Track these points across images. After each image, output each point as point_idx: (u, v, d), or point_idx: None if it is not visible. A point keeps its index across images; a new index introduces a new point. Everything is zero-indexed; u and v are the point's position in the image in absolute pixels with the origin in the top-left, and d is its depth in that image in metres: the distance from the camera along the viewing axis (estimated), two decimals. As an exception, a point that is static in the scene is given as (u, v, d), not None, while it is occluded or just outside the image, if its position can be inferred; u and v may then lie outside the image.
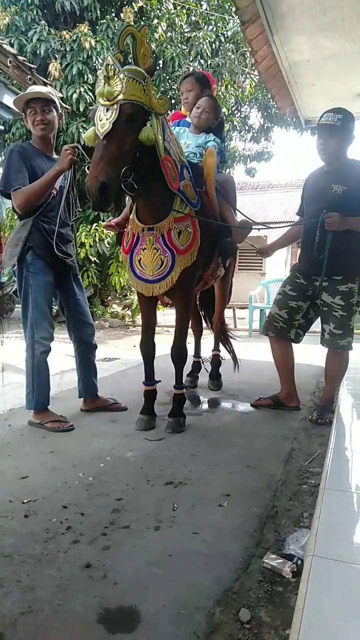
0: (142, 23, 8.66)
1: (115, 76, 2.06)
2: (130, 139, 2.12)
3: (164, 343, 3.24)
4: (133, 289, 2.91)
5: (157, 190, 2.39)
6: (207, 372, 3.66)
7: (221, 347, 3.66)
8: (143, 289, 2.63)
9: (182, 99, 3.09)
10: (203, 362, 3.75)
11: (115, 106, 2.06)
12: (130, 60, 2.21)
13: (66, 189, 2.65)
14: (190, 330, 3.09)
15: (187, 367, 3.51)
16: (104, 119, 2.08)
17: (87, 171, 2.13)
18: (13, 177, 2.57)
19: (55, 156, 2.79)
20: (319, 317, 2.97)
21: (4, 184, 2.61)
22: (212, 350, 3.67)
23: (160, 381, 2.86)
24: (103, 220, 8.02)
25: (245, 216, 3.13)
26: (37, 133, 2.70)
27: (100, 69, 2.18)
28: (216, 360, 3.64)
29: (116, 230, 2.86)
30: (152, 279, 2.55)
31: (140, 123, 2.15)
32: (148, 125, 2.17)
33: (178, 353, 2.77)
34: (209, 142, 2.87)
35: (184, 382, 3.61)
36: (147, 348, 2.82)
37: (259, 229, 3.20)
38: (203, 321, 3.84)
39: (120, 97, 2.06)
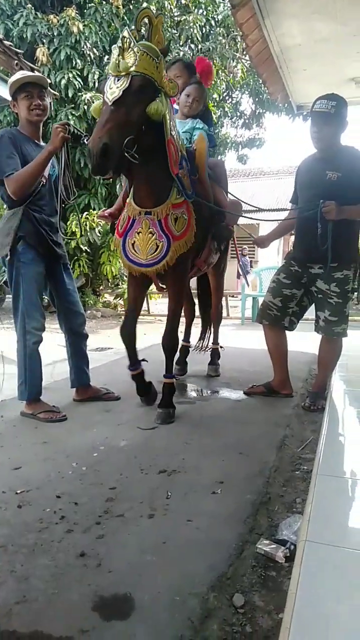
0: (130, 7, 8.52)
1: (130, 49, 2.07)
2: (138, 110, 2.12)
3: (157, 332, 3.24)
4: (125, 277, 2.90)
5: (159, 173, 2.38)
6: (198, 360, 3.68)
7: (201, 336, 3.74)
8: (135, 270, 2.62)
9: None
10: (190, 347, 3.75)
11: (127, 76, 2.07)
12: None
13: (62, 169, 2.59)
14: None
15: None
16: (114, 87, 2.08)
17: (87, 142, 2.12)
18: (5, 163, 2.51)
19: (42, 143, 2.74)
20: (312, 305, 2.97)
21: None
22: (212, 344, 3.72)
23: (144, 359, 2.85)
24: (94, 209, 7.95)
25: (237, 198, 3.11)
26: (32, 118, 2.64)
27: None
28: (216, 352, 3.73)
29: (109, 220, 2.84)
30: (144, 262, 2.53)
31: (150, 96, 2.15)
32: (157, 100, 2.16)
33: (169, 341, 2.75)
34: (197, 129, 2.85)
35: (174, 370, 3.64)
36: (128, 331, 2.78)
37: (253, 212, 3.16)
38: (195, 308, 3.85)
39: (133, 68, 2.07)
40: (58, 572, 1.43)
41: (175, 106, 2.98)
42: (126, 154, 2.11)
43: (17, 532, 1.63)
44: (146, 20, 2.18)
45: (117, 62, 2.07)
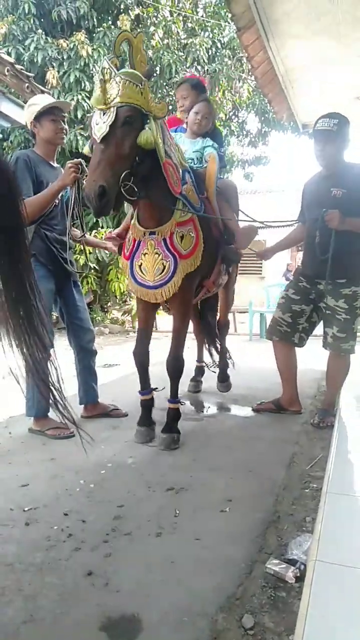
0: (139, 30, 8.73)
1: (112, 80, 2.04)
2: (128, 142, 2.09)
3: (162, 348, 3.24)
4: (133, 295, 2.85)
5: (159, 194, 2.34)
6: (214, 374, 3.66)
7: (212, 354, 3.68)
8: (144, 295, 2.56)
9: (178, 106, 3.10)
10: (207, 367, 3.72)
11: (112, 109, 2.04)
12: (127, 66, 2.21)
13: (71, 203, 2.64)
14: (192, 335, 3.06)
15: (190, 373, 3.52)
16: (100, 123, 2.05)
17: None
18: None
19: (56, 165, 2.80)
20: (321, 321, 2.97)
21: None
22: (219, 360, 3.67)
23: (157, 388, 2.77)
24: (102, 227, 8.04)
25: (251, 218, 3.10)
26: (57, 141, 2.74)
27: (95, 77, 2.19)
28: (224, 362, 3.65)
29: (117, 242, 2.80)
30: (152, 284, 2.48)
31: (138, 126, 2.11)
32: (147, 128, 2.13)
33: (174, 364, 2.62)
34: (207, 148, 2.86)
35: (187, 387, 3.62)
36: (141, 357, 2.69)
37: (263, 227, 3.15)
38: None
39: (117, 99, 2.04)
40: (65, 592, 1.42)
41: (184, 125, 3.03)
42: (123, 190, 2.08)
43: (24, 550, 1.62)
44: (125, 45, 2.14)
45: (99, 96, 2.05)
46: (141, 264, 2.50)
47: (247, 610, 1.38)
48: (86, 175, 2.54)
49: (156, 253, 2.44)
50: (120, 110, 2.05)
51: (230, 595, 1.41)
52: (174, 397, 2.69)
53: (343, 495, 1.72)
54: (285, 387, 3.13)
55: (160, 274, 2.45)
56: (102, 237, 7.57)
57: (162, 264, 2.44)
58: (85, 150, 2.29)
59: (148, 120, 2.15)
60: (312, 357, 3.66)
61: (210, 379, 3.74)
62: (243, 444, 2.62)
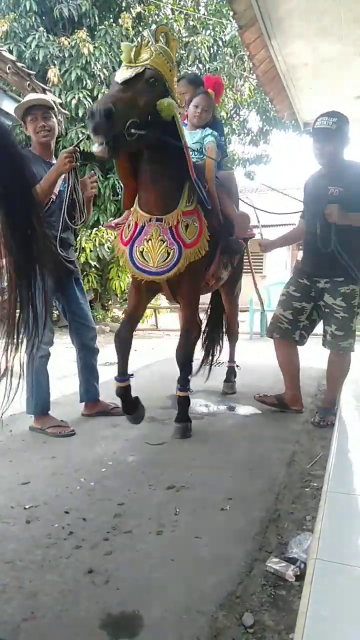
0: (140, 29, 8.72)
1: (147, 47, 2.07)
2: (146, 98, 2.07)
3: (165, 347, 3.24)
4: (129, 275, 2.77)
5: (167, 178, 2.34)
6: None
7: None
8: (144, 278, 2.51)
9: (178, 102, 3.11)
10: (238, 367, 3.73)
11: (140, 67, 2.05)
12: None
13: (66, 196, 2.64)
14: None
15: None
16: (125, 71, 2.05)
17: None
18: None
19: (54, 161, 2.80)
20: (321, 320, 2.97)
21: None
22: (228, 362, 3.70)
23: (132, 375, 2.68)
24: (103, 225, 8.03)
25: (252, 206, 3.09)
26: (39, 140, 2.71)
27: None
28: (232, 371, 3.70)
29: (117, 230, 2.79)
30: (154, 270, 2.44)
31: (160, 92, 2.12)
32: (169, 97, 2.14)
33: (183, 353, 2.66)
34: (207, 137, 2.86)
35: (223, 387, 3.62)
36: (123, 339, 2.61)
37: (259, 226, 3.14)
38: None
39: (148, 62, 2.06)
40: (66, 589, 1.42)
41: (185, 121, 3.03)
42: (127, 137, 2.03)
43: (25, 548, 1.63)
44: (163, 35, 2.18)
45: (132, 55, 2.05)
46: (143, 249, 2.45)
47: (247, 608, 1.38)
48: (82, 163, 2.54)
49: (161, 240, 2.41)
50: (148, 71, 2.07)
51: (230, 593, 1.41)
52: (183, 385, 2.70)
53: (343, 494, 1.72)
54: (287, 386, 3.13)
55: (164, 260, 2.42)
56: (102, 234, 7.59)
57: (167, 251, 2.41)
58: (95, 149, 2.28)
59: (170, 95, 2.17)
60: (313, 355, 3.66)
61: (212, 378, 3.74)
62: (243, 442, 2.63)
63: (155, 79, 2.09)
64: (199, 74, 9.51)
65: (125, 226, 2.59)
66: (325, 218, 2.61)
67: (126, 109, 2.02)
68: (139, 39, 2.14)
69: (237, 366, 3.76)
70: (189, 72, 8.98)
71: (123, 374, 2.65)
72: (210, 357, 3.70)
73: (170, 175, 2.34)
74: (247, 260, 3.60)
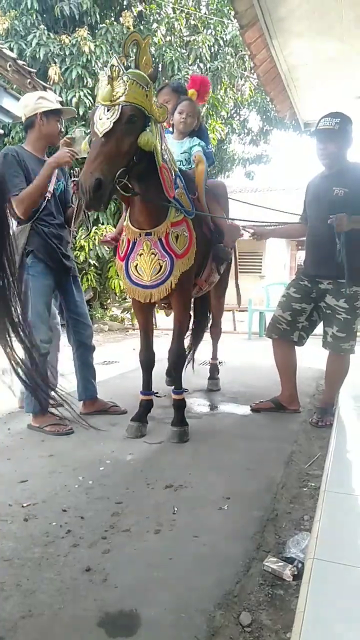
0: (141, 27, 8.71)
1: (119, 78, 2.06)
2: (128, 141, 2.10)
3: (164, 346, 3.24)
4: (129, 297, 2.85)
5: (155, 195, 2.37)
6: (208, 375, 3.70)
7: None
8: (139, 295, 2.58)
9: None
10: (221, 363, 3.77)
11: (117, 107, 2.05)
12: (130, 64, 2.21)
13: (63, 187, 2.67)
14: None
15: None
16: (104, 118, 2.06)
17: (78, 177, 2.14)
18: (11, 182, 2.57)
19: (46, 158, 2.81)
20: (321, 320, 2.97)
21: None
22: (211, 359, 3.73)
23: (157, 392, 2.81)
24: (102, 224, 8.03)
25: (249, 203, 3.12)
26: (56, 142, 2.77)
27: (100, 72, 2.18)
28: (215, 368, 3.74)
29: (112, 245, 2.84)
30: (149, 284, 2.51)
31: (140, 126, 2.13)
32: (148, 130, 2.15)
33: (176, 357, 2.74)
34: (194, 147, 2.88)
35: (207, 384, 3.68)
36: (147, 357, 2.77)
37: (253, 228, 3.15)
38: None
39: (123, 98, 2.05)
40: (64, 587, 1.42)
41: (170, 129, 3.01)
42: (117, 187, 2.11)
43: (23, 546, 1.63)
44: (134, 43, 2.15)
45: (104, 93, 2.06)
46: (137, 264, 2.52)
47: (244, 607, 1.38)
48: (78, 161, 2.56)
49: (152, 253, 2.47)
50: (125, 109, 2.06)
51: (228, 593, 1.42)
52: (178, 388, 2.76)
53: (341, 494, 1.72)
54: (284, 386, 3.13)
55: (157, 273, 2.48)
56: (102, 234, 7.59)
57: (159, 263, 2.47)
58: (84, 146, 2.29)
59: (149, 123, 2.18)
60: (311, 356, 3.67)
61: (205, 378, 3.75)
62: (242, 442, 2.63)
63: (133, 115, 2.09)
64: (200, 73, 9.52)
65: (121, 241, 2.65)
66: (333, 226, 2.58)
67: (113, 164, 2.06)
68: (108, 69, 2.08)
69: (220, 363, 3.81)
70: (190, 71, 8.99)
71: (147, 389, 2.80)
72: (193, 353, 3.72)
73: (156, 193, 2.36)
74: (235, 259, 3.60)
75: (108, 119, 2.05)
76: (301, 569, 1.49)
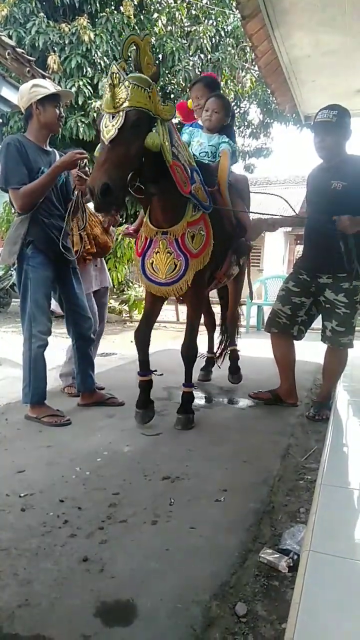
0: (141, 17, 8.63)
1: (121, 84, 2.07)
2: (135, 145, 2.12)
3: (160, 339, 3.24)
4: (139, 285, 2.89)
5: (170, 195, 2.38)
6: (219, 367, 3.71)
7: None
8: (155, 290, 2.66)
9: (194, 105, 3.13)
10: (217, 359, 3.76)
11: (121, 113, 2.07)
12: (132, 68, 2.21)
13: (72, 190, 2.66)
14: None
15: (200, 362, 3.55)
16: (109, 125, 2.09)
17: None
18: (11, 174, 2.56)
19: (49, 149, 2.79)
20: (320, 315, 2.97)
21: (3, 180, 2.60)
22: (229, 346, 3.71)
23: (155, 370, 2.80)
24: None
25: (281, 197, 3.12)
26: (56, 129, 2.75)
27: (103, 81, 2.17)
28: (235, 355, 3.70)
29: (134, 237, 2.89)
30: (164, 281, 2.56)
31: (145, 129, 2.15)
32: (154, 131, 2.17)
33: (188, 351, 2.75)
34: (222, 144, 2.92)
35: (198, 375, 3.67)
36: (142, 336, 2.76)
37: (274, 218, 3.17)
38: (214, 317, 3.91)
39: (126, 104, 2.07)
40: (61, 577, 1.43)
41: (200, 122, 3.05)
42: (130, 189, 2.13)
43: (20, 536, 1.63)
44: (133, 46, 2.16)
45: (108, 100, 2.08)
46: (152, 261, 2.58)
47: (240, 598, 1.39)
48: (85, 165, 2.57)
49: (168, 252, 2.52)
50: (129, 114, 2.08)
51: (224, 583, 1.43)
52: (188, 381, 2.79)
53: (337, 487, 1.73)
54: (282, 379, 3.14)
55: (172, 272, 2.53)
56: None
57: (174, 262, 2.52)
58: (96, 150, 2.30)
59: (155, 123, 2.19)
60: (309, 350, 3.67)
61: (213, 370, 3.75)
62: (239, 434, 2.64)
63: (138, 119, 2.10)
64: (201, 64, 9.44)
65: (139, 237, 2.70)
66: (336, 226, 2.57)
67: (121, 169, 2.08)
68: (109, 77, 2.09)
69: (239, 350, 3.77)
70: (191, 62, 8.92)
71: (144, 369, 2.78)
72: (225, 347, 3.73)
73: (171, 192, 2.37)
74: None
75: (113, 125, 2.07)
76: (297, 560, 1.50)
